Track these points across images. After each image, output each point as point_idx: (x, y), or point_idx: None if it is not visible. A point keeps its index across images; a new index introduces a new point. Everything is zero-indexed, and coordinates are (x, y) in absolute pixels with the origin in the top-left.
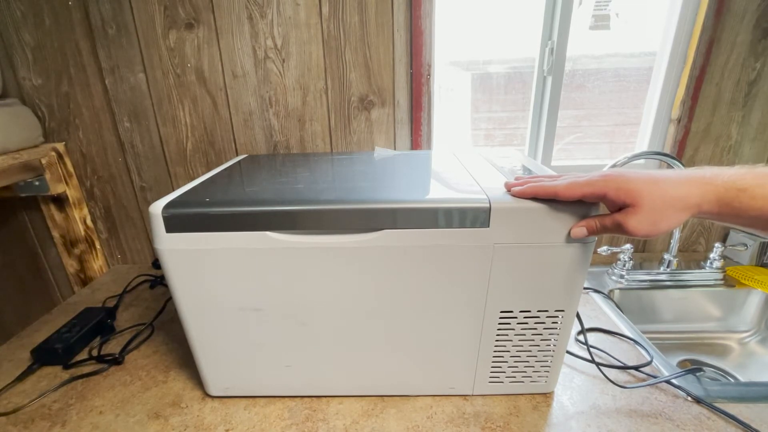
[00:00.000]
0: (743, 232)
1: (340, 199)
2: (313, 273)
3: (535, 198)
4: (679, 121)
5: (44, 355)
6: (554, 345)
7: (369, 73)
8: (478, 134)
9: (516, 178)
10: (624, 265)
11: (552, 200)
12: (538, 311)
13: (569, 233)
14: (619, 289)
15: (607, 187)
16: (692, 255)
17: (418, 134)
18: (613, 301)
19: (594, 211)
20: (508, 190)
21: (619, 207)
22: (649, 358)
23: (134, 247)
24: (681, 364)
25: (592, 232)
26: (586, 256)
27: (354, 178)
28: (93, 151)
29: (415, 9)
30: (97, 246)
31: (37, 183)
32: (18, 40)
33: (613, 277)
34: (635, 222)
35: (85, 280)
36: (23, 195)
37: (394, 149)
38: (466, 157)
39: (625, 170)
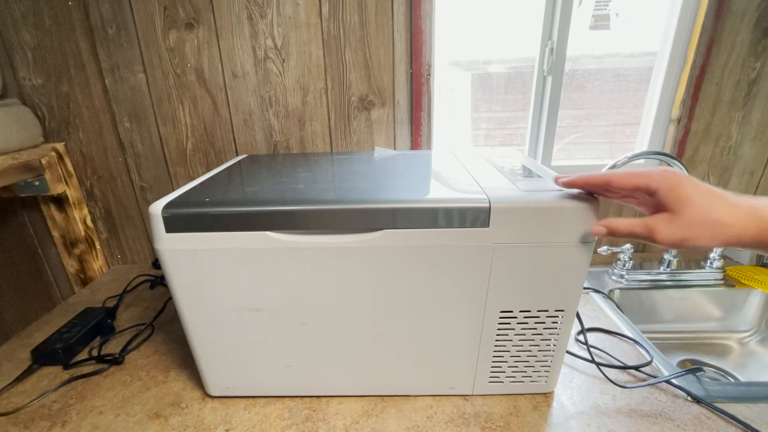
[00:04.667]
0: None
1: (340, 199)
2: (313, 273)
3: (586, 186)
4: (679, 120)
5: (44, 355)
6: (554, 345)
7: (369, 73)
8: (478, 134)
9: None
10: (624, 265)
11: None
12: (538, 311)
13: (588, 232)
14: (619, 289)
15: (662, 184)
16: (692, 255)
17: (418, 134)
18: (613, 301)
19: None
20: (556, 182)
21: (661, 208)
22: (649, 358)
23: (134, 247)
24: (681, 364)
25: (614, 233)
26: (586, 256)
27: (354, 178)
28: (93, 151)
29: (415, 9)
30: (97, 246)
31: (36, 183)
32: (18, 40)
33: (613, 277)
34: (666, 229)
35: (85, 280)
36: (23, 195)
37: (394, 149)
38: (465, 156)
39: (684, 174)
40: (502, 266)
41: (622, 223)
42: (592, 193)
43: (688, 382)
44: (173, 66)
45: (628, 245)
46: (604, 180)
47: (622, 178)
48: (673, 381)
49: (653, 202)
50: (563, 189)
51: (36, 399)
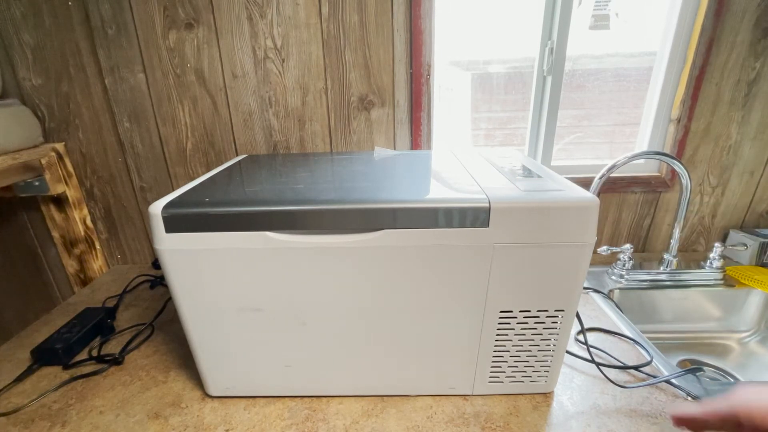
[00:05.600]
0: (744, 233)
1: (340, 199)
2: (313, 273)
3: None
4: (678, 120)
5: (44, 355)
6: (554, 345)
7: (369, 73)
8: (478, 134)
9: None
10: (624, 265)
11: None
12: (538, 311)
13: None
14: (619, 289)
15: (756, 413)
16: (692, 255)
17: (417, 134)
18: (613, 301)
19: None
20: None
21: None
22: (649, 358)
23: (134, 247)
24: (681, 364)
25: None
26: (586, 256)
27: (354, 178)
28: (93, 151)
29: (415, 9)
30: (97, 246)
31: (36, 183)
32: (18, 40)
33: (613, 277)
34: None
35: (85, 280)
36: (23, 195)
37: (394, 149)
38: (465, 156)
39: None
40: (502, 266)
41: None
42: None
43: (688, 382)
44: (173, 66)
45: (628, 245)
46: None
47: (703, 412)
48: (673, 381)
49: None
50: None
51: (36, 399)
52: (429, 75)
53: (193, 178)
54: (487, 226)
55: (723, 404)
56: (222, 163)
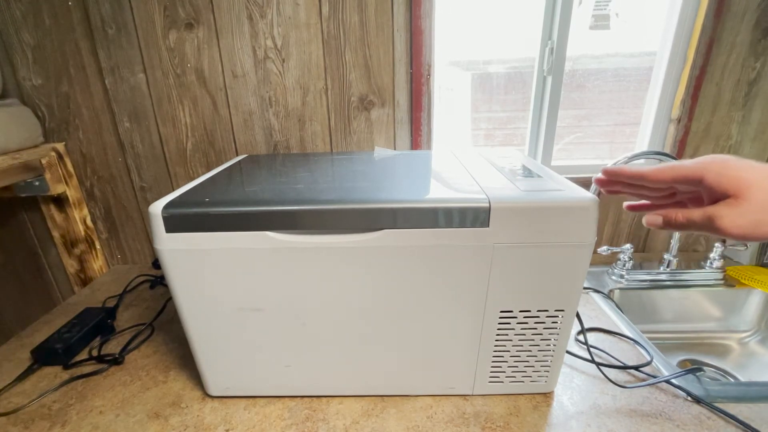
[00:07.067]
0: None
1: (340, 199)
2: (313, 273)
3: (620, 175)
4: (679, 120)
5: (44, 355)
6: (554, 345)
7: (369, 73)
8: (478, 134)
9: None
10: (624, 265)
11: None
12: (538, 311)
13: (643, 220)
14: (619, 289)
15: (705, 170)
16: (692, 255)
17: (418, 134)
18: (613, 301)
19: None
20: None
21: (716, 199)
22: (649, 358)
23: (134, 247)
24: (681, 364)
25: (671, 224)
26: (586, 256)
27: (354, 178)
28: (93, 151)
29: (415, 9)
30: (97, 246)
31: (37, 183)
32: (18, 40)
33: (613, 277)
34: (733, 217)
35: (85, 280)
36: (23, 195)
37: (394, 149)
38: (465, 156)
39: (731, 156)
40: (502, 266)
41: (681, 213)
42: (627, 192)
43: (688, 382)
44: (173, 66)
45: (628, 245)
46: (637, 173)
47: (657, 171)
48: (673, 381)
49: (703, 194)
50: (600, 186)
51: (36, 399)
52: (429, 75)
53: (193, 178)
54: (487, 226)
55: (640, 169)
56: (222, 163)
